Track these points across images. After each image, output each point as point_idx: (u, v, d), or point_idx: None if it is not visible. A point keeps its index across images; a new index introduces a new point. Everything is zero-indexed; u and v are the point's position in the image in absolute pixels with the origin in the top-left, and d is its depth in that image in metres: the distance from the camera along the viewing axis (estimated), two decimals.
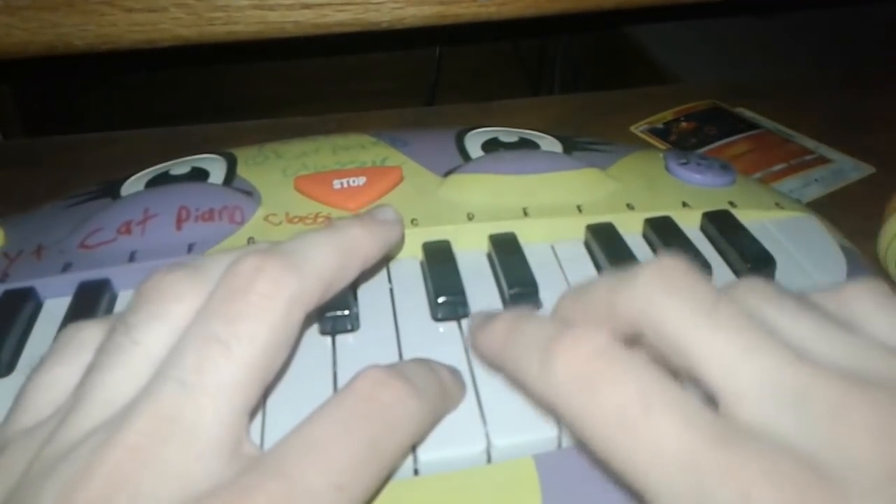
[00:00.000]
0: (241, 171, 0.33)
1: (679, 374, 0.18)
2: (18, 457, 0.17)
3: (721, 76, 0.63)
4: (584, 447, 0.18)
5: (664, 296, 0.18)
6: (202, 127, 0.51)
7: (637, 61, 0.72)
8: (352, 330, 0.26)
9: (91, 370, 0.18)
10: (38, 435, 0.17)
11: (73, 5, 0.34)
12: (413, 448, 0.21)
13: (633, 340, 0.19)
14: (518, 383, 0.20)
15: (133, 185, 0.32)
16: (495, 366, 0.21)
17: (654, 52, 0.70)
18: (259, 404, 0.18)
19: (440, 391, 0.21)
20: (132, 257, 0.28)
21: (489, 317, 0.21)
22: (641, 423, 0.16)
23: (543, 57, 0.88)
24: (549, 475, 0.21)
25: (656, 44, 0.71)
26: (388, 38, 0.45)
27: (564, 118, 0.52)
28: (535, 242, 0.29)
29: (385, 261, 0.29)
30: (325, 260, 0.20)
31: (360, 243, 0.21)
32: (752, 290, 0.19)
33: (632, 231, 0.30)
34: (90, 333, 0.20)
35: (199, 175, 0.33)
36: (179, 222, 0.29)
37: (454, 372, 0.23)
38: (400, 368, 0.20)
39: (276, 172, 0.32)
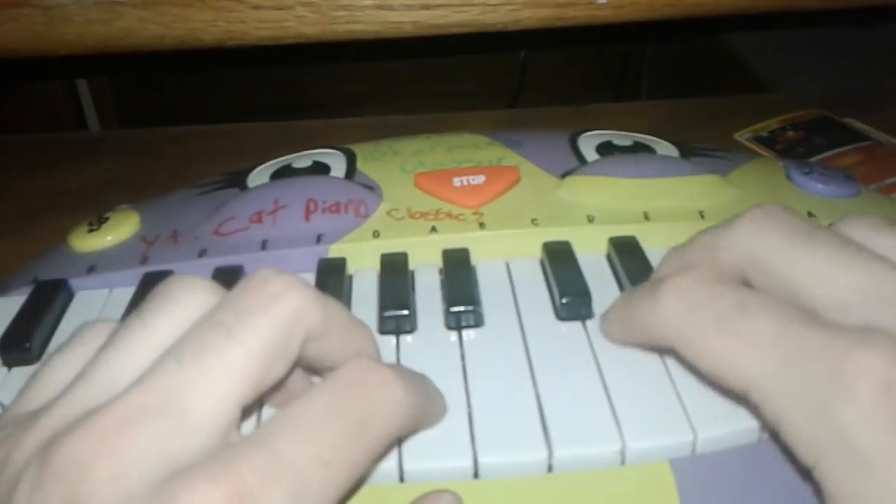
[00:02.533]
0: (362, 166, 0.34)
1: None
2: (12, 429, 0.17)
3: (818, 86, 0.62)
4: (694, 369, 0.20)
5: (765, 233, 0.20)
6: (304, 123, 0.52)
7: (729, 69, 0.70)
8: (476, 325, 0.26)
9: (101, 349, 0.18)
10: (38, 411, 0.18)
11: (205, 1, 0.36)
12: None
13: None
14: (637, 335, 0.22)
15: (258, 176, 0.34)
16: (622, 337, 0.24)
17: (748, 59, 0.68)
18: (253, 405, 0.18)
19: (426, 392, 0.21)
20: (264, 245, 0.29)
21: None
22: (740, 322, 0.18)
23: (627, 62, 0.87)
24: (685, 480, 0.21)
25: (751, 51, 0.69)
26: (473, 39, 0.45)
27: (662, 124, 0.51)
28: (656, 247, 0.29)
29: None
30: (339, 312, 0.20)
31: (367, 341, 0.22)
32: (855, 220, 0.20)
33: None
34: (110, 325, 0.20)
35: (321, 169, 0.33)
36: (308, 213, 0.30)
37: (437, 388, 0.23)
38: (388, 364, 0.20)
39: (395, 168, 0.33)
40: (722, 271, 0.21)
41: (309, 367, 0.21)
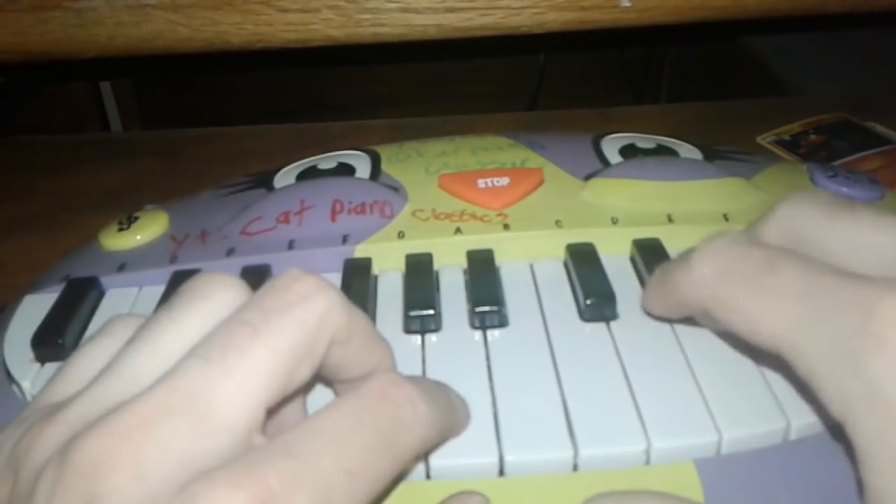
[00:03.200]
0: (386, 167, 0.34)
1: None
2: (34, 420, 0.17)
3: (840, 89, 0.61)
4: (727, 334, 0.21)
5: (806, 208, 0.21)
6: (325, 125, 0.53)
7: (752, 72, 0.70)
8: (501, 326, 0.26)
9: (127, 344, 0.18)
10: (61, 404, 0.17)
11: (233, 4, 0.36)
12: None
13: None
14: (674, 303, 0.23)
15: (284, 177, 0.34)
16: (660, 307, 0.24)
17: (770, 63, 0.68)
18: (277, 401, 0.18)
19: (449, 405, 0.21)
20: (291, 245, 0.29)
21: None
22: (769, 278, 0.18)
23: (648, 65, 0.87)
24: (711, 480, 0.21)
25: (773, 55, 0.69)
26: (493, 42, 0.46)
27: (684, 127, 0.51)
28: (680, 249, 0.29)
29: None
30: (364, 320, 0.20)
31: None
32: None
33: None
34: (141, 318, 0.20)
35: (346, 170, 0.34)
36: (334, 214, 0.30)
37: (461, 398, 0.23)
38: (412, 378, 0.20)
39: (420, 170, 0.33)
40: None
41: (328, 375, 0.21)
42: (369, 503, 0.17)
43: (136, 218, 0.32)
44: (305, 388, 0.20)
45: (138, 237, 0.31)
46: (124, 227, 0.31)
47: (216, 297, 0.19)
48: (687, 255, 0.21)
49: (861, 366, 0.16)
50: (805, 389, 0.20)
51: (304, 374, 0.18)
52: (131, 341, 0.18)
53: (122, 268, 0.30)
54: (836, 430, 0.18)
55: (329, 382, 0.22)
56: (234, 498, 0.15)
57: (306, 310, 0.18)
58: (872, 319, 0.16)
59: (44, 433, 0.16)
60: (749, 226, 0.23)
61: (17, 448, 0.17)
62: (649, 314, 0.25)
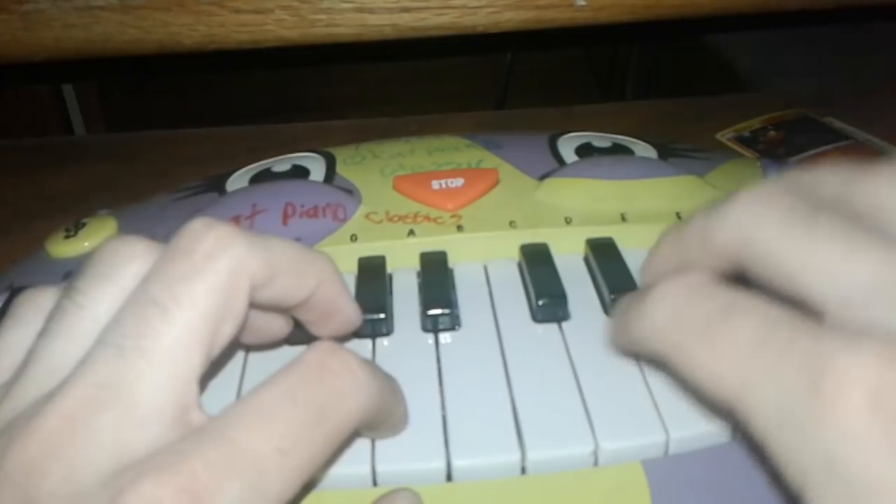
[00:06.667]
0: (341, 169, 0.33)
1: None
2: None
3: (802, 86, 0.62)
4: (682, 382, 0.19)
5: (760, 216, 0.18)
6: (289, 126, 0.52)
7: (715, 69, 0.71)
8: (452, 328, 0.26)
9: (39, 337, 0.18)
10: None
11: (184, 5, 0.36)
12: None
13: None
14: (634, 348, 0.21)
15: (237, 180, 0.34)
16: (623, 350, 0.22)
17: (733, 60, 0.69)
18: (207, 372, 0.17)
19: (386, 379, 0.20)
20: None
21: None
22: (722, 329, 0.16)
23: (615, 63, 0.87)
24: (658, 481, 0.21)
25: (736, 52, 0.70)
26: (459, 42, 0.46)
27: (646, 125, 0.51)
28: (633, 248, 0.29)
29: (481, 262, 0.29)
30: (284, 249, 0.19)
31: (324, 266, 0.20)
32: (884, 181, 0.18)
33: None
34: (47, 297, 0.19)
35: (300, 172, 0.33)
36: (286, 218, 0.30)
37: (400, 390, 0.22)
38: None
39: (375, 172, 0.33)
40: (718, 260, 0.19)
41: (273, 310, 0.20)
42: (308, 478, 0.17)
43: (84, 224, 0.31)
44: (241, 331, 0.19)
45: (86, 244, 0.30)
46: (71, 233, 0.31)
47: (123, 272, 0.18)
48: (642, 295, 0.20)
49: (815, 434, 0.14)
50: None
51: (228, 332, 0.17)
52: (43, 334, 0.17)
53: (68, 275, 0.29)
54: None
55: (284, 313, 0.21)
56: (159, 493, 0.14)
57: (215, 270, 0.17)
58: (824, 383, 0.14)
59: None
60: (700, 212, 0.20)
61: None
62: (617, 353, 0.24)
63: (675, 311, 0.18)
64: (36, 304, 0.19)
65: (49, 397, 0.16)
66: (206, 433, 0.16)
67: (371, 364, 0.19)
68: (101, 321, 0.17)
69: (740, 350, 0.16)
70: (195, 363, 0.17)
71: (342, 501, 0.21)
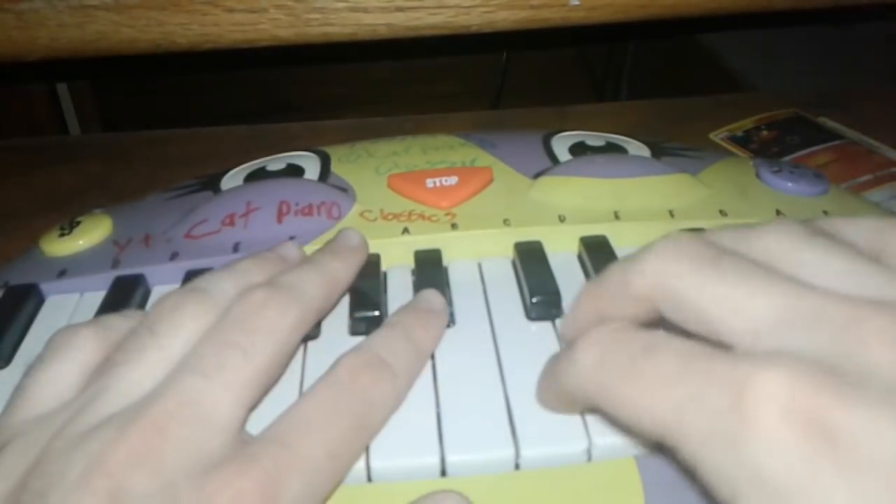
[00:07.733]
0: (336, 168, 0.34)
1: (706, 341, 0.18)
2: (38, 436, 0.19)
3: (796, 86, 0.62)
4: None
5: (672, 263, 0.19)
6: (283, 125, 0.52)
7: (709, 69, 0.71)
8: (447, 325, 0.26)
9: (113, 364, 0.21)
10: (58, 418, 0.20)
11: (179, 5, 0.36)
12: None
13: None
14: (565, 399, 0.22)
15: (232, 179, 0.34)
16: (554, 404, 0.23)
17: (727, 60, 0.69)
18: (259, 403, 0.22)
19: (414, 356, 0.24)
20: (236, 248, 0.29)
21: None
22: (646, 365, 0.18)
23: (610, 63, 0.87)
24: (651, 476, 0.21)
25: (730, 52, 0.70)
26: (455, 41, 0.46)
27: (640, 124, 0.51)
28: (626, 246, 0.29)
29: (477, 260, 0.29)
30: (317, 293, 0.24)
31: (341, 276, 0.25)
32: (777, 228, 0.20)
33: None
34: (84, 336, 0.22)
35: (295, 171, 0.34)
36: (280, 216, 0.30)
37: (431, 307, 0.26)
38: (374, 346, 0.23)
39: (369, 170, 0.33)
40: (636, 308, 0.20)
41: None
42: (347, 475, 0.21)
43: (79, 223, 0.31)
44: None
45: (80, 242, 0.30)
46: (66, 232, 0.31)
47: (190, 326, 0.22)
48: (569, 348, 0.20)
49: (741, 449, 0.15)
50: None
51: (281, 372, 0.23)
52: (120, 362, 0.21)
53: (62, 274, 0.29)
54: None
55: None
56: (242, 485, 0.18)
57: (280, 331, 0.22)
58: (744, 401, 0.15)
59: (55, 447, 0.19)
60: (615, 265, 0.21)
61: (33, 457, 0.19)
62: (546, 409, 0.23)
63: (601, 355, 0.19)
64: (75, 344, 0.22)
65: (138, 409, 0.19)
66: (269, 440, 0.19)
67: (392, 362, 0.22)
68: (170, 362, 0.21)
69: (664, 383, 0.17)
70: (257, 396, 0.21)
71: (337, 497, 0.21)
